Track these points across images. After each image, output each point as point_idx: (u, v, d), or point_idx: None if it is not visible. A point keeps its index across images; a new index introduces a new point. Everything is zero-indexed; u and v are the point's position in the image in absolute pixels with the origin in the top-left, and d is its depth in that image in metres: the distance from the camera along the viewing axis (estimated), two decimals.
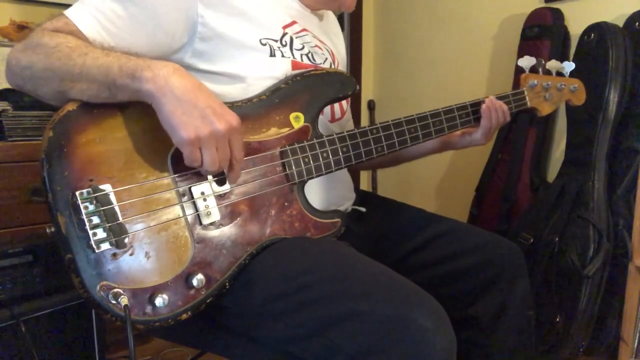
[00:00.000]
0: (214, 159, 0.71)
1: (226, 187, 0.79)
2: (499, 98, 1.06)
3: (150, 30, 0.80)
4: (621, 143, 1.56)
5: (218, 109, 0.70)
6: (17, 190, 1.34)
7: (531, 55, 1.14)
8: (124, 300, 0.68)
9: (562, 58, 1.74)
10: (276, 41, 0.90)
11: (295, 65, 0.91)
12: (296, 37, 0.94)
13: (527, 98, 1.10)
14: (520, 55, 1.85)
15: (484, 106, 1.03)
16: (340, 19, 2.30)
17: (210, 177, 0.78)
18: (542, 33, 1.76)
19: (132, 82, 0.69)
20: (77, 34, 0.76)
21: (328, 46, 1.03)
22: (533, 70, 1.13)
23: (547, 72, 1.14)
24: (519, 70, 1.86)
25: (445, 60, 2.23)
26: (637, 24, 1.55)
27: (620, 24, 1.59)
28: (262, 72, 0.87)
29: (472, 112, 1.04)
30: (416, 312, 0.67)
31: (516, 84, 1.86)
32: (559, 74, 1.15)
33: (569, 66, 1.14)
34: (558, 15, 1.76)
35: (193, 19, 0.82)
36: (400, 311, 0.67)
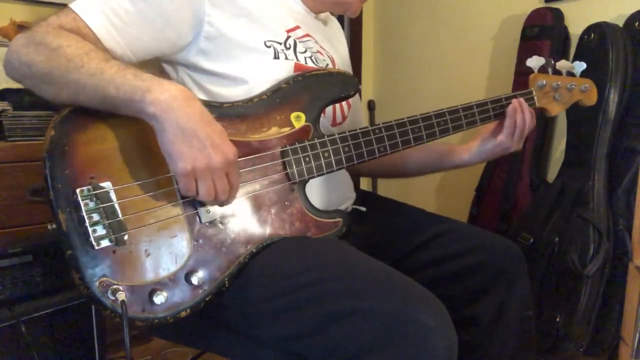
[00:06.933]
0: (209, 191, 0.72)
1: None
2: (506, 98, 1.05)
3: (158, 27, 0.80)
4: (621, 143, 1.56)
5: (217, 140, 0.70)
6: (17, 190, 1.34)
7: (531, 55, 1.13)
8: (121, 296, 0.69)
9: (562, 58, 1.74)
10: (280, 44, 0.90)
11: (298, 67, 0.91)
12: (299, 42, 0.94)
13: (535, 98, 1.09)
14: (520, 55, 1.85)
15: (510, 106, 1.01)
16: (340, 19, 2.30)
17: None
18: (542, 33, 1.76)
19: (133, 104, 0.69)
20: (84, 29, 0.76)
21: (329, 53, 1.03)
22: (542, 70, 1.11)
23: (557, 72, 1.12)
24: (518, 71, 1.87)
25: (445, 60, 2.23)
26: (637, 24, 1.55)
27: (620, 24, 1.59)
28: (264, 74, 0.87)
29: (477, 112, 1.02)
30: (418, 309, 0.67)
31: (516, 84, 1.86)
32: (569, 74, 1.13)
33: (579, 66, 1.12)
34: (558, 15, 1.76)
35: (200, 17, 0.82)
36: (402, 309, 0.67)
